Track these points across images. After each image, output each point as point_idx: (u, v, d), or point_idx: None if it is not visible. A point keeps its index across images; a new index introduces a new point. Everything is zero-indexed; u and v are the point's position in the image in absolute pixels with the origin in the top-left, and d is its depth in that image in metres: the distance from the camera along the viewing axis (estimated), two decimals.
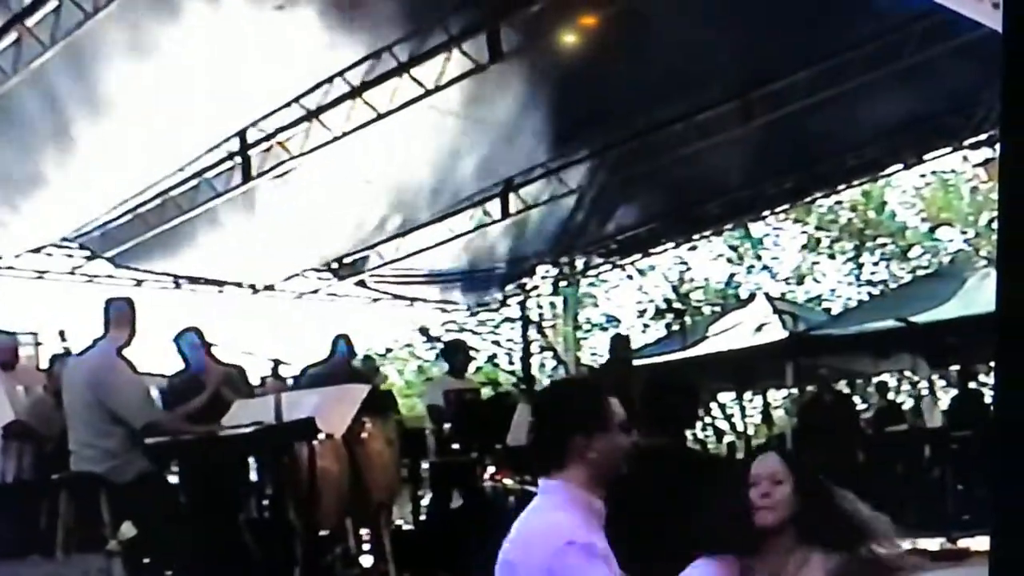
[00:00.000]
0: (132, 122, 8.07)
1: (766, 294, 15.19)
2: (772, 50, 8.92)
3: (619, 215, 12.49)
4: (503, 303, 15.09)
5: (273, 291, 12.46)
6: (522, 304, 14.67)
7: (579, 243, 13.08)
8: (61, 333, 6.69)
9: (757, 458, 2.89)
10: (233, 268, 11.69)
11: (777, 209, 14.28)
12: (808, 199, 14.67)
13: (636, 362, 10.44)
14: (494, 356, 21.01)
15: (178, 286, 11.64)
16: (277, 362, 6.04)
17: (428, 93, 8.65)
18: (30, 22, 6.94)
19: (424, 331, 20.33)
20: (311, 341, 8.83)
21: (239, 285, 12.09)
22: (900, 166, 12.40)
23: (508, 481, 6.82)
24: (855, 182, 13.27)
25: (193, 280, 11.67)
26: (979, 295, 9.95)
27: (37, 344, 8.26)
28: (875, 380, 13.91)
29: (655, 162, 10.69)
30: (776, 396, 17.90)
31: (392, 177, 10.48)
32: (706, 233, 14.48)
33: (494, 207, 11.66)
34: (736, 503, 2.66)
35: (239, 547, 5.56)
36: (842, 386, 13.34)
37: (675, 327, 15.50)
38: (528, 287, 14.03)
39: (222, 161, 9.69)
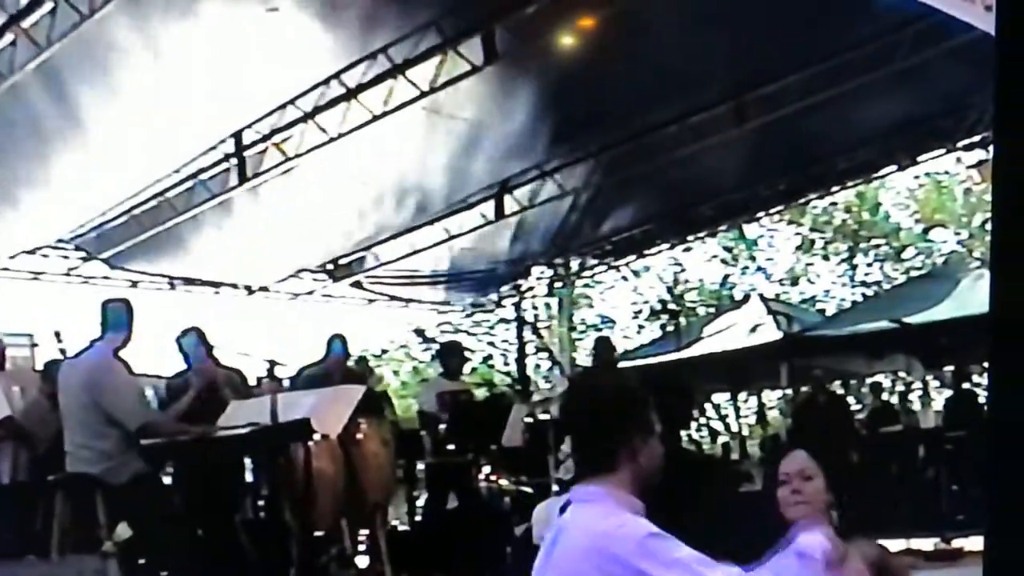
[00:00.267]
0: (128, 123, 8.07)
1: (760, 295, 15.20)
2: (767, 52, 8.94)
3: (614, 216, 12.51)
4: (498, 304, 15.10)
5: (269, 292, 12.46)
6: (517, 305, 14.69)
7: (574, 244, 13.09)
8: (57, 334, 6.67)
9: (785, 456, 2.89)
10: (229, 269, 11.68)
11: (771, 210, 14.31)
12: (802, 200, 14.72)
13: (632, 363, 10.46)
14: (489, 357, 21.02)
15: (174, 287, 11.63)
16: (273, 363, 6.03)
17: (423, 95, 8.66)
18: (26, 24, 6.93)
19: (419, 332, 20.33)
20: (307, 342, 8.82)
21: (235, 286, 12.09)
22: (894, 168, 12.43)
23: (503, 482, 6.83)
24: (849, 183, 13.31)
25: (189, 281, 11.66)
26: (972, 296, 9.98)
27: (33, 345, 8.25)
28: (869, 381, 13.93)
29: (650, 163, 10.70)
30: (771, 397, 17.92)
31: (387, 178, 10.48)
32: (701, 234, 14.52)
33: (489, 208, 11.67)
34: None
35: (235, 548, 5.55)
36: (836, 387, 13.36)
37: (670, 328, 15.50)
38: (523, 288, 14.04)
39: (218, 163, 9.69)
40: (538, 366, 17.75)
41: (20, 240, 9.94)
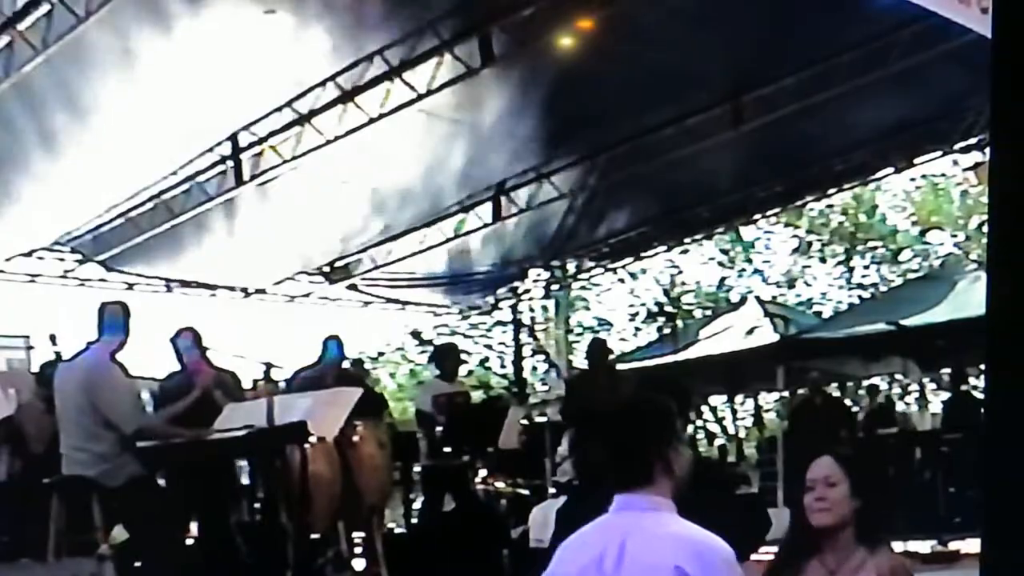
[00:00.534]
0: (124, 126, 8.06)
1: (757, 297, 15.22)
2: (763, 55, 8.96)
3: (610, 219, 12.51)
4: (495, 307, 15.10)
5: (265, 295, 12.45)
6: (514, 308, 14.67)
7: (570, 247, 13.10)
8: (52, 337, 6.66)
9: (812, 462, 2.89)
10: (225, 272, 11.67)
11: (768, 213, 14.33)
12: (799, 203, 14.73)
13: (628, 365, 10.46)
14: (486, 360, 21.01)
15: (170, 290, 11.62)
16: (269, 365, 6.02)
17: (420, 97, 8.66)
18: (22, 26, 6.93)
19: (416, 334, 20.34)
20: (303, 345, 8.81)
21: (231, 289, 12.08)
22: (891, 170, 12.45)
23: (500, 484, 6.83)
24: (846, 186, 13.33)
25: (185, 284, 11.65)
26: (969, 298, 9.98)
27: (28, 348, 8.25)
28: (866, 383, 13.94)
29: (646, 166, 10.71)
30: (767, 399, 17.95)
31: (384, 181, 10.48)
32: (697, 236, 14.54)
33: (486, 211, 11.67)
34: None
35: (231, 550, 5.54)
36: (833, 389, 13.37)
37: (666, 330, 15.52)
38: (520, 291, 14.03)
39: (214, 165, 9.68)
40: (535, 368, 17.73)
41: (16, 242, 9.93)
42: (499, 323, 19.13)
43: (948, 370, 11.50)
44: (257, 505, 6.38)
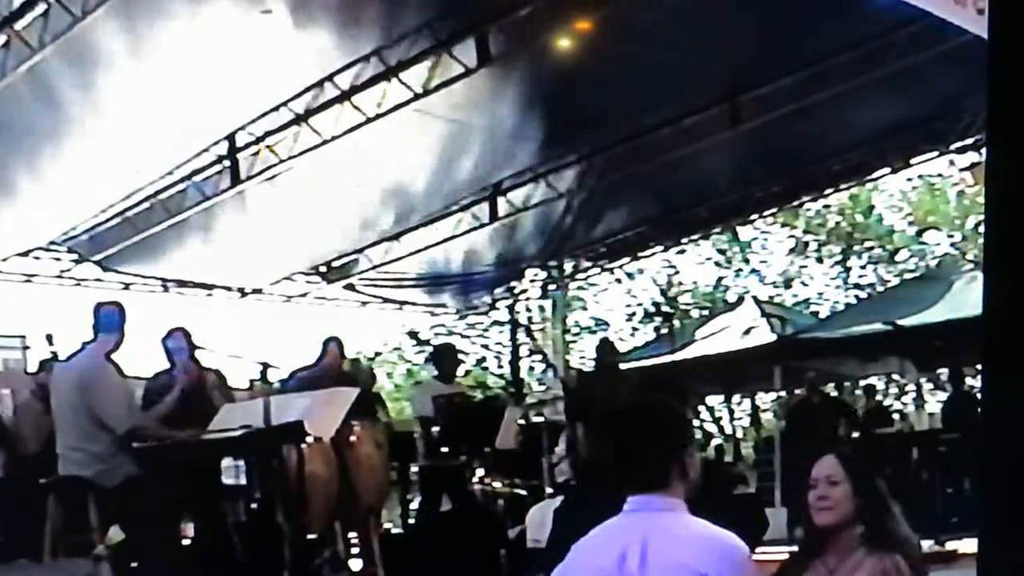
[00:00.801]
0: (121, 125, 8.05)
1: (754, 297, 15.23)
2: (760, 55, 8.96)
3: (607, 219, 12.51)
4: (492, 307, 15.10)
5: (262, 295, 12.44)
6: (511, 308, 14.67)
7: (568, 247, 13.10)
8: (48, 337, 6.67)
9: (816, 461, 2.90)
10: (222, 272, 11.66)
11: (765, 213, 14.33)
12: (796, 203, 14.74)
13: (625, 365, 10.46)
14: (483, 360, 21.01)
15: (166, 290, 11.61)
16: (266, 365, 6.02)
17: (417, 97, 8.65)
18: (19, 25, 6.92)
19: (413, 334, 20.34)
20: (300, 345, 8.81)
21: (228, 289, 12.07)
22: (887, 170, 12.46)
23: (497, 484, 6.82)
24: (842, 186, 13.33)
25: (182, 284, 11.64)
26: (966, 298, 10.00)
27: (25, 348, 8.25)
28: (863, 383, 13.96)
29: (644, 166, 10.71)
30: (764, 399, 17.97)
31: (381, 181, 10.48)
32: (694, 237, 14.54)
33: (483, 211, 11.67)
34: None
35: (227, 551, 5.54)
36: (830, 389, 13.38)
37: (664, 330, 15.55)
38: (517, 291, 14.03)
39: (211, 165, 9.67)
40: (532, 368, 17.75)
41: (13, 242, 9.91)
42: (496, 323, 19.12)
43: (945, 370, 11.52)
44: (254, 505, 6.38)
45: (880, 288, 20.46)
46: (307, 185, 9.94)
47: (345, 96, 8.83)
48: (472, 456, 6.85)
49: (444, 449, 7.19)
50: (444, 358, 8.33)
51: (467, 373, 18.55)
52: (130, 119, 8.01)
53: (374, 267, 12.42)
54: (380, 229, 11.51)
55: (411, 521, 7.93)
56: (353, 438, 5.99)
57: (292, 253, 11.62)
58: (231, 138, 9.25)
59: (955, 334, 9.63)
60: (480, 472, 6.76)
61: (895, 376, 16.20)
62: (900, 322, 10.50)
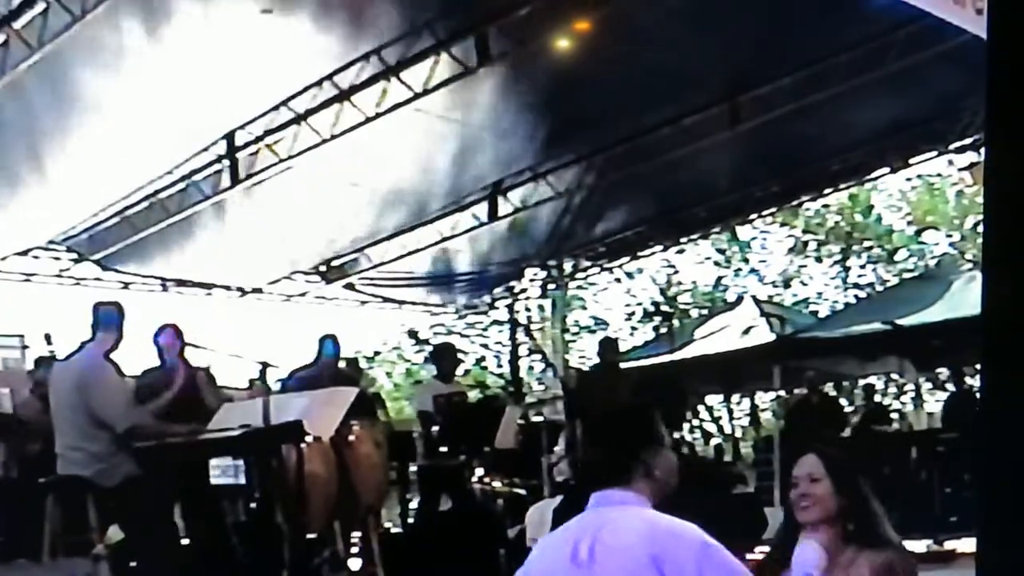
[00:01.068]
0: (120, 125, 8.05)
1: (753, 297, 15.21)
2: (759, 55, 8.96)
3: (607, 218, 12.52)
4: (491, 306, 15.10)
5: (261, 294, 12.44)
6: (510, 307, 14.67)
7: (567, 246, 13.10)
8: (47, 336, 6.66)
9: (799, 460, 2.93)
10: (221, 271, 11.66)
11: (764, 212, 14.33)
12: (795, 202, 14.75)
13: (624, 365, 10.46)
14: (482, 359, 21.00)
15: (165, 289, 11.60)
16: (265, 365, 6.02)
17: (416, 96, 8.65)
18: (17, 25, 6.92)
19: (412, 334, 20.30)
20: (299, 344, 8.81)
21: (227, 288, 12.07)
22: (886, 170, 12.47)
23: (496, 484, 6.82)
24: (842, 186, 13.34)
25: (181, 283, 11.64)
26: (965, 298, 10.00)
27: (24, 347, 8.24)
28: (862, 383, 13.96)
29: (643, 165, 10.71)
30: (763, 398, 17.95)
31: (380, 180, 10.48)
32: (694, 236, 14.54)
33: (482, 210, 11.67)
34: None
35: (226, 550, 5.53)
36: (829, 388, 13.38)
37: (663, 330, 15.53)
38: (516, 290, 14.03)
39: (210, 164, 9.67)
40: (531, 368, 17.74)
41: (12, 241, 9.91)
42: (496, 322, 19.13)
43: (944, 369, 11.52)
44: (253, 505, 6.38)
45: (879, 288, 20.47)
46: (306, 184, 9.94)
47: (345, 95, 8.83)
48: (471, 455, 6.85)
49: (443, 449, 7.19)
50: (443, 357, 8.33)
51: (466, 372, 18.55)
52: (130, 118, 8.00)
53: (373, 266, 12.42)
54: (380, 228, 11.51)
55: (410, 521, 7.93)
56: (352, 438, 5.98)
57: (291, 252, 11.61)
58: (230, 137, 9.25)
59: (954, 334, 9.63)
60: (479, 471, 6.76)
61: (894, 376, 16.19)
62: (899, 322, 10.50)
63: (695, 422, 19.27)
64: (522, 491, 6.93)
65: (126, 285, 11.21)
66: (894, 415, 14.21)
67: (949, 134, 11.00)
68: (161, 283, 11.53)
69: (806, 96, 9.41)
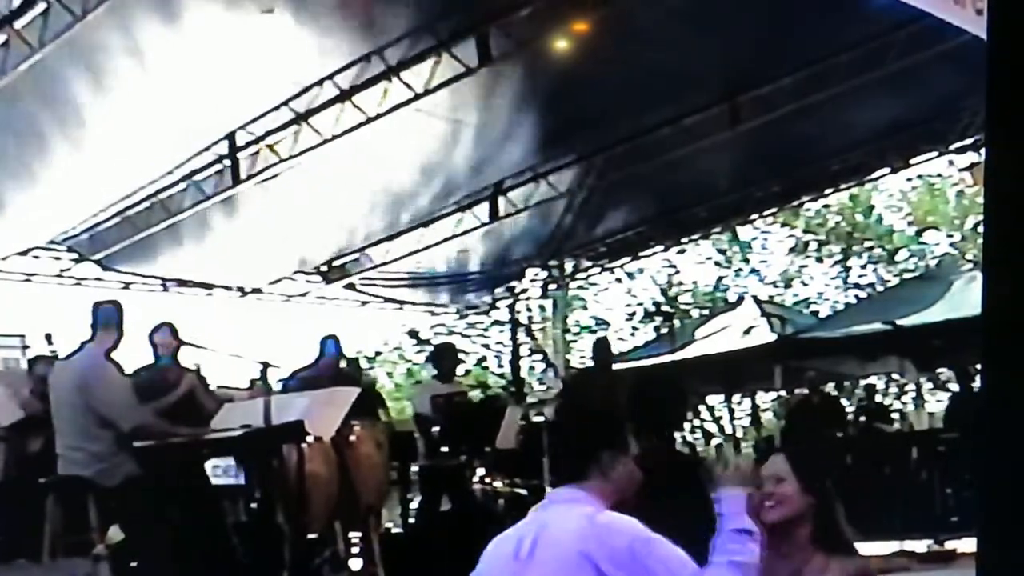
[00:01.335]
0: (121, 124, 8.05)
1: (754, 297, 15.22)
2: (759, 55, 8.97)
3: (608, 218, 12.52)
4: (492, 306, 15.09)
5: (262, 294, 12.44)
6: (511, 307, 14.66)
7: (568, 246, 13.10)
8: (48, 336, 6.66)
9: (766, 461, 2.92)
10: (221, 271, 11.66)
11: (765, 213, 14.33)
12: (796, 203, 14.74)
13: (625, 365, 10.47)
14: (483, 359, 21.00)
15: (166, 289, 11.60)
16: (266, 365, 6.03)
17: (417, 97, 8.65)
18: (18, 25, 6.92)
19: (413, 334, 20.32)
20: (300, 344, 8.81)
21: (227, 288, 12.07)
22: (887, 170, 12.47)
23: (497, 484, 6.82)
24: (842, 186, 13.33)
25: (181, 283, 11.64)
26: (965, 298, 10.01)
27: (24, 347, 8.24)
28: (863, 383, 13.95)
29: (643, 165, 10.72)
30: (765, 399, 17.95)
31: (381, 180, 10.48)
32: (694, 236, 14.54)
33: (483, 210, 11.67)
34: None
35: (227, 551, 5.54)
36: (830, 388, 13.38)
37: (664, 330, 15.54)
38: (517, 290, 14.03)
39: (211, 164, 9.67)
40: (532, 368, 17.73)
41: (12, 241, 9.91)
42: (497, 323, 19.12)
43: (945, 369, 11.52)
44: (254, 505, 6.38)
45: (880, 288, 20.46)
46: (307, 185, 9.94)
47: (346, 96, 8.83)
48: (472, 456, 6.85)
49: (444, 449, 7.19)
50: (444, 357, 8.34)
51: (467, 372, 18.55)
52: (130, 118, 8.00)
53: (375, 266, 12.42)
54: (380, 228, 11.51)
55: (411, 521, 7.93)
56: (353, 438, 5.99)
57: (292, 252, 11.61)
58: (231, 137, 9.25)
59: (955, 334, 9.64)
60: (480, 472, 6.77)
61: (895, 376, 16.19)
62: (900, 322, 10.51)
63: (696, 422, 19.28)
64: (523, 491, 6.92)
65: (127, 285, 11.21)
66: (895, 415, 14.20)
67: (949, 134, 11.00)
68: (162, 283, 11.53)
69: (806, 96, 9.41)
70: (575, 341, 19.29)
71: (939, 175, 20.32)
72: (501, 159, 10.53)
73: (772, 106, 9.67)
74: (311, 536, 5.71)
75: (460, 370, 10.23)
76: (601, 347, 9.21)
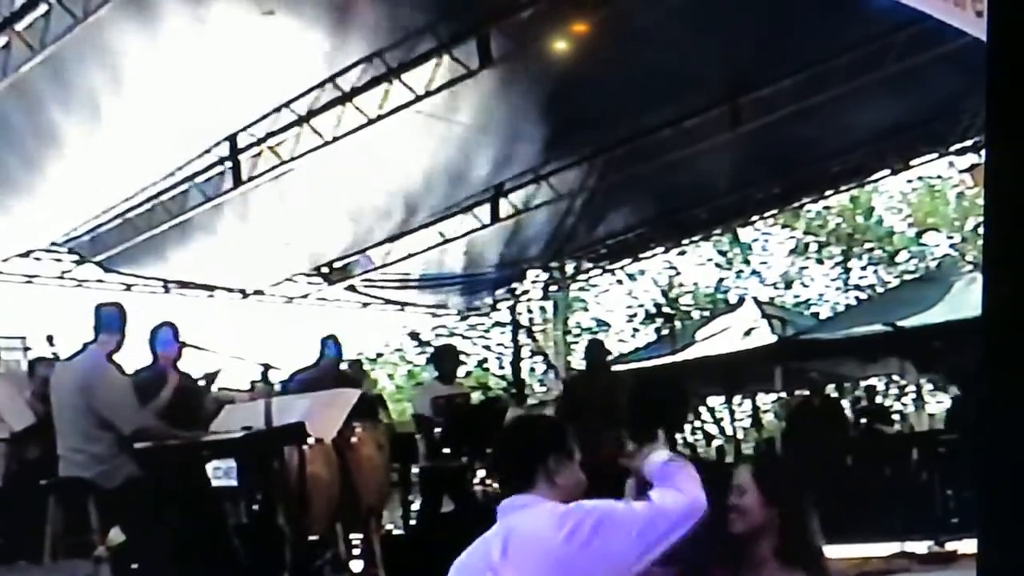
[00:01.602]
0: (122, 127, 8.06)
1: (755, 298, 15.21)
2: (760, 56, 8.97)
3: (609, 220, 12.52)
4: (493, 307, 15.10)
5: (263, 296, 12.44)
6: (512, 308, 14.67)
7: (569, 248, 13.10)
8: (49, 338, 6.67)
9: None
10: (223, 273, 11.66)
11: (765, 214, 14.34)
12: (796, 204, 14.75)
13: (626, 366, 10.46)
14: (484, 361, 21.00)
15: (167, 291, 11.61)
16: (267, 367, 6.03)
17: (418, 98, 8.66)
18: (19, 27, 6.92)
19: (414, 335, 20.32)
20: (301, 345, 8.82)
21: (229, 290, 12.07)
22: (887, 172, 12.47)
23: (498, 485, 6.82)
24: (842, 187, 13.34)
25: (183, 284, 11.64)
26: (965, 299, 10.00)
27: (25, 349, 8.24)
28: (863, 384, 13.94)
29: (644, 167, 10.71)
30: (765, 400, 17.94)
31: (382, 182, 10.48)
32: (695, 238, 14.55)
33: (484, 212, 11.67)
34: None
35: (228, 552, 5.54)
36: (830, 390, 13.38)
37: (664, 331, 15.53)
38: (518, 291, 14.04)
39: (212, 166, 9.68)
40: (533, 369, 17.74)
41: (14, 243, 9.92)
42: (497, 324, 19.11)
43: (945, 371, 11.52)
44: (255, 507, 6.38)
45: (880, 289, 20.45)
46: (309, 186, 9.94)
47: (347, 97, 8.84)
48: (473, 457, 6.86)
49: (445, 450, 7.20)
50: (445, 359, 8.33)
51: (468, 374, 18.55)
52: (132, 120, 8.01)
53: (375, 268, 12.42)
54: (381, 230, 11.52)
55: (412, 522, 7.93)
56: (354, 439, 6.00)
57: (293, 254, 11.62)
58: (233, 139, 9.26)
59: (955, 335, 9.63)
60: (481, 473, 6.77)
61: (895, 377, 16.18)
62: (900, 323, 10.50)
63: (697, 423, 19.27)
64: None
65: (128, 287, 11.22)
66: (895, 416, 14.19)
67: (949, 136, 11.00)
68: (163, 285, 11.54)
69: (807, 98, 9.41)
70: (576, 343, 19.27)
71: (939, 177, 20.34)
72: (502, 161, 10.53)
73: (772, 107, 9.68)
74: (312, 538, 5.71)
75: (461, 371, 10.22)
76: (594, 349, 9.18)
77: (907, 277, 19.89)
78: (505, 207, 11.57)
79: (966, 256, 19.46)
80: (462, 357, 11.27)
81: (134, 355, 5.97)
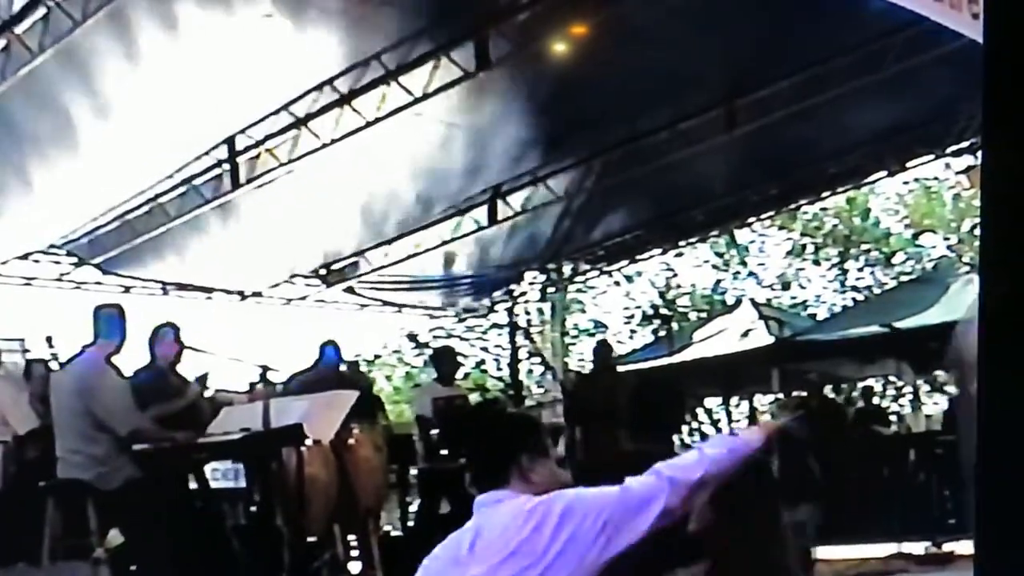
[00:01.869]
0: (121, 129, 8.06)
1: (752, 300, 15.22)
2: (757, 58, 8.98)
3: (606, 221, 12.53)
4: (491, 309, 15.10)
5: (261, 298, 12.44)
6: (510, 310, 14.67)
7: (566, 249, 13.11)
8: (48, 340, 6.67)
9: None
10: (221, 274, 11.67)
11: (762, 216, 14.35)
12: (793, 206, 14.76)
13: (623, 368, 10.46)
14: (482, 362, 21.00)
15: (166, 292, 11.61)
16: (265, 368, 6.04)
17: (416, 101, 8.67)
18: (19, 29, 6.93)
19: (412, 337, 20.33)
20: (299, 348, 8.82)
21: (227, 292, 12.07)
22: (884, 173, 12.49)
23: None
24: (839, 189, 13.35)
25: (181, 287, 11.64)
26: (962, 300, 10.00)
27: (24, 351, 8.24)
28: (860, 385, 13.96)
29: (641, 169, 10.72)
30: (762, 401, 17.95)
31: (380, 184, 10.49)
32: (692, 239, 14.56)
33: (482, 214, 11.68)
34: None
35: (226, 554, 5.54)
36: (827, 391, 13.39)
37: (662, 333, 15.54)
38: (516, 293, 14.04)
39: (210, 168, 9.68)
40: (531, 371, 17.74)
41: (12, 245, 9.92)
42: (495, 326, 19.11)
43: (942, 372, 11.53)
44: (253, 508, 6.38)
45: (877, 290, 20.47)
46: (307, 188, 9.95)
47: (345, 100, 8.84)
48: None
49: (443, 452, 7.20)
50: (443, 361, 8.35)
51: (466, 376, 18.54)
52: (130, 122, 8.02)
53: (374, 270, 12.43)
54: (379, 232, 11.52)
55: (410, 524, 7.93)
56: (352, 441, 6.00)
57: (292, 256, 11.62)
58: (231, 142, 9.26)
59: (952, 336, 9.63)
60: None
61: (892, 378, 16.20)
62: (897, 324, 10.51)
63: (694, 424, 19.28)
64: None
65: (126, 289, 11.22)
66: (892, 417, 14.21)
67: (946, 137, 11.01)
68: (161, 287, 11.54)
69: (803, 100, 9.42)
70: (574, 344, 19.29)
71: (936, 178, 20.34)
72: (499, 163, 10.54)
73: (769, 109, 9.69)
74: (310, 539, 5.72)
75: (459, 373, 10.22)
76: (603, 350, 9.26)
77: (904, 278, 19.90)
78: (503, 209, 11.58)
79: (963, 257, 19.49)
80: (460, 359, 11.27)
81: (134, 356, 5.99)
